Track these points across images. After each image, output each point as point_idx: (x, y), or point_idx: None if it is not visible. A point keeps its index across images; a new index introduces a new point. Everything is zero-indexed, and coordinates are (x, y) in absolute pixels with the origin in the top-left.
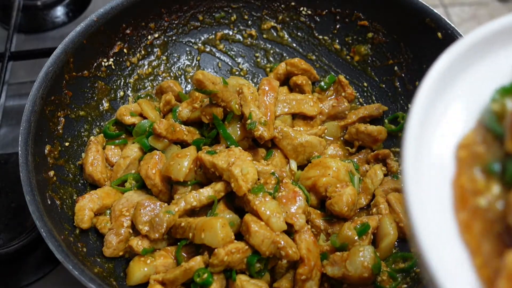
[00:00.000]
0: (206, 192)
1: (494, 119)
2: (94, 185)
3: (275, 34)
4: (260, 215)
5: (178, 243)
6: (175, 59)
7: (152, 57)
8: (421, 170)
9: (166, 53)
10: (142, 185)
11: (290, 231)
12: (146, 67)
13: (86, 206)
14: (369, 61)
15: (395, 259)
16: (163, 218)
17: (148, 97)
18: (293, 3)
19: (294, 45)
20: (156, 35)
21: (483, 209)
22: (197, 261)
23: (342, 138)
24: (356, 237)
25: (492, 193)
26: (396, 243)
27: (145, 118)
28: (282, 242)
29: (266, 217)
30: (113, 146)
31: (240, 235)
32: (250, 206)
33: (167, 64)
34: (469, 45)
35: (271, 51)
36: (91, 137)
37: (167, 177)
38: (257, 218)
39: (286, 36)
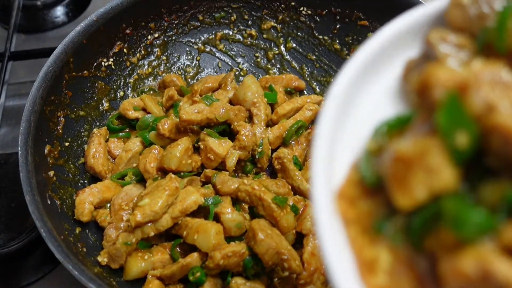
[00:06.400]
0: (166, 223)
1: (367, 162)
2: (95, 179)
3: (275, 34)
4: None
5: (173, 242)
6: (175, 59)
7: (152, 57)
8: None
9: (166, 53)
10: (141, 179)
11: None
12: (146, 67)
13: (86, 200)
14: None
15: None
16: (121, 249)
17: (152, 92)
18: (293, 3)
19: (294, 45)
20: (156, 35)
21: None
22: (194, 258)
23: None
24: None
25: (382, 266)
26: None
27: (148, 112)
28: (287, 254)
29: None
30: (116, 139)
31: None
32: (273, 216)
33: (167, 64)
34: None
35: (271, 51)
36: (94, 130)
37: (163, 170)
38: (264, 227)
39: (286, 36)
